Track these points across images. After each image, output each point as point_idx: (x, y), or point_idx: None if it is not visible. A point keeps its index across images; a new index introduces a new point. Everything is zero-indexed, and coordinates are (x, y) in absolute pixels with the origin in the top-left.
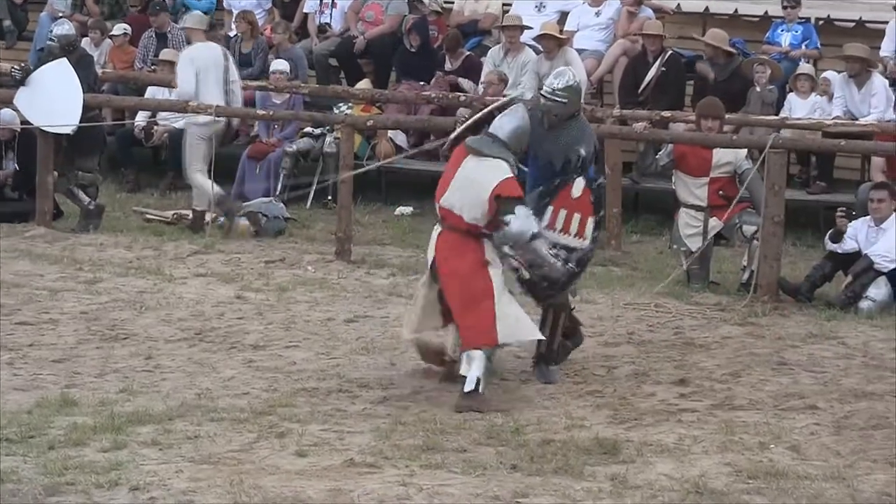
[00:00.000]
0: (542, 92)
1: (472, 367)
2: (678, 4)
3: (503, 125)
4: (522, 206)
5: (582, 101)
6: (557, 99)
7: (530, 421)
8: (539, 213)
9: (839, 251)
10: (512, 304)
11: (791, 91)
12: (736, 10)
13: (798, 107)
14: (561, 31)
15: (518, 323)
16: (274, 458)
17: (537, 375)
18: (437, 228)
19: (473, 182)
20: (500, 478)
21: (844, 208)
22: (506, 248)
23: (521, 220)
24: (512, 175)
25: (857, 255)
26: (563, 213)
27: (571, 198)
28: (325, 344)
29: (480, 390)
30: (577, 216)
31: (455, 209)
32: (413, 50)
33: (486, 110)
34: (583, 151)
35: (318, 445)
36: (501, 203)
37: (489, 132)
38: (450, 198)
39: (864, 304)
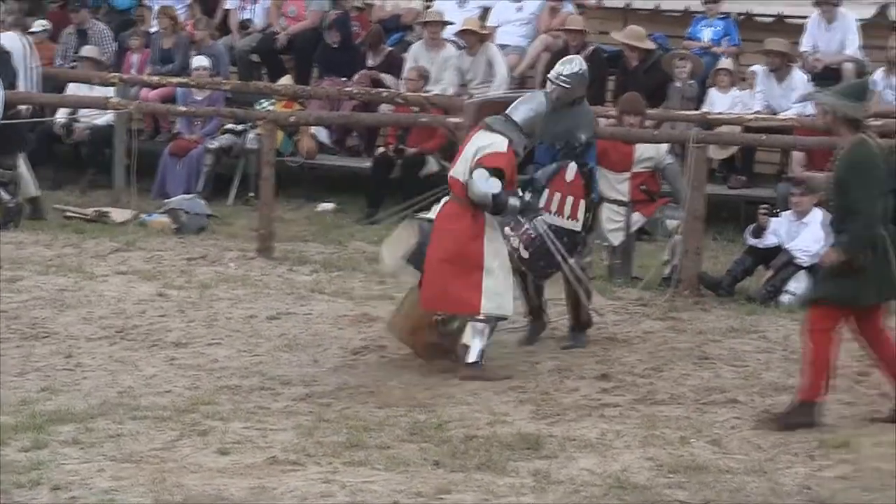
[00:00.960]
0: (549, 77)
1: (476, 339)
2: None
3: (519, 108)
4: (483, 171)
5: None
6: (562, 84)
7: (453, 417)
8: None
9: (760, 246)
10: (499, 280)
11: (711, 86)
12: (657, 6)
13: (718, 101)
14: (483, 27)
15: (502, 299)
16: (196, 456)
17: (571, 340)
18: (445, 199)
19: (469, 151)
20: (423, 474)
21: (767, 205)
22: (507, 230)
23: (480, 182)
24: (505, 151)
25: (777, 250)
26: (557, 195)
27: (565, 181)
28: (247, 341)
29: (482, 362)
30: (570, 199)
31: (459, 178)
32: (335, 46)
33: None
34: (583, 136)
35: (240, 443)
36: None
37: (506, 113)
38: (456, 168)
39: (784, 299)
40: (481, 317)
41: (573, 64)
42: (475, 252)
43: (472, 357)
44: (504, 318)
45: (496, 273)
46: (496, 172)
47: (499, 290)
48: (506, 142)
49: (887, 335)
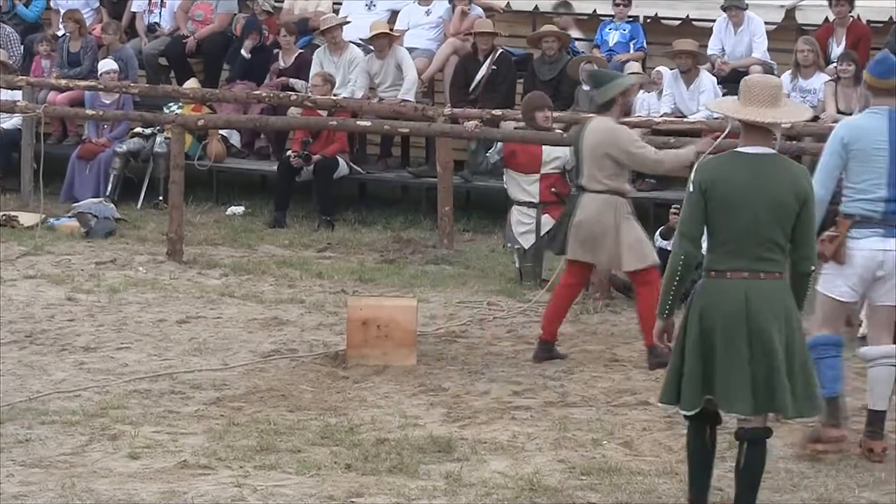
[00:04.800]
0: None
1: None
2: (508, 3)
3: None
4: None
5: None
6: None
7: (364, 420)
8: None
9: (669, 248)
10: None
11: None
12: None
13: None
14: (393, 30)
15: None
16: (106, 461)
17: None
18: None
19: None
20: (334, 478)
21: (678, 206)
22: None
23: None
24: None
25: None
26: None
27: None
28: (157, 345)
29: None
30: None
31: None
32: (247, 50)
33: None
34: None
35: (150, 447)
36: None
37: None
38: None
39: None
40: None
41: None
42: None
43: None
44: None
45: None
46: None
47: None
48: None
49: None
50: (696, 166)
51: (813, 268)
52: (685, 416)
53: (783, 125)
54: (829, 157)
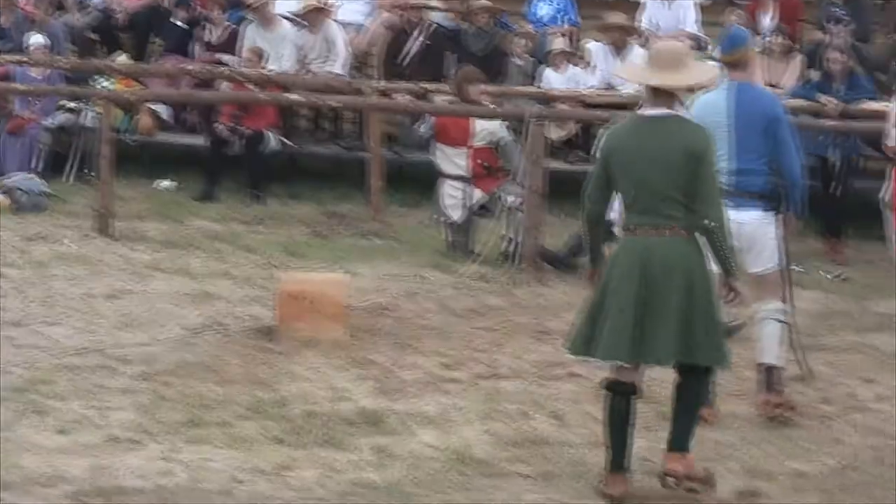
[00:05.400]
0: None
1: None
2: None
3: None
4: None
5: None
6: None
7: (293, 394)
8: None
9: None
10: None
11: (547, 65)
12: None
13: (554, 80)
14: (325, 3)
15: None
16: (34, 436)
17: None
18: None
19: None
20: (264, 451)
21: None
22: None
23: None
24: None
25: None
26: None
27: None
28: (85, 320)
29: None
30: None
31: None
32: (178, 24)
33: None
34: None
35: (79, 422)
36: None
37: None
38: None
39: None
40: None
41: None
42: None
43: None
44: None
45: None
46: None
47: None
48: None
49: None
50: (603, 130)
51: (713, 223)
52: (606, 383)
53: (690, 87)
54: None
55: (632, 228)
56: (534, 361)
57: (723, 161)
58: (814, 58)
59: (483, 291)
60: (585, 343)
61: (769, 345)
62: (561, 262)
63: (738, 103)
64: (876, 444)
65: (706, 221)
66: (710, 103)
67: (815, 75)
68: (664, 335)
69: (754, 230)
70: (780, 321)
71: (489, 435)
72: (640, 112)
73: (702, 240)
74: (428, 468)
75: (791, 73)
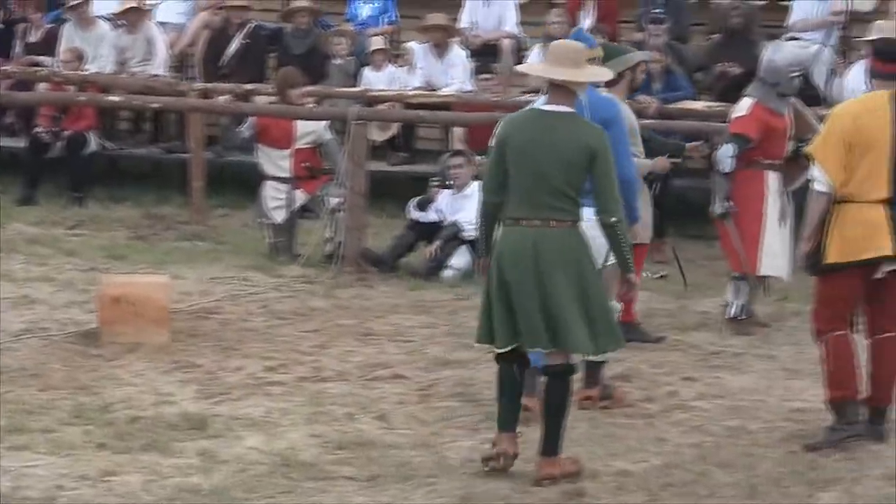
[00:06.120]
0: None
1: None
2: None
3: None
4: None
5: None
6: None
7: (117, 398)
8: None
9: (422, 220)
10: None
11: (367, 65)
12: None
13: (375, 80)
14: (144, 4)
15: (775, 259)
16: None
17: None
18: None
19: None
20: (87, 457)
21: (438, 179)
22: None
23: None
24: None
25: (438, 225)
26: None
27: None
28: None
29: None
30: None
31: None
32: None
33: None
34: None
35: None
36: None
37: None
38: None
39: (447, 273)
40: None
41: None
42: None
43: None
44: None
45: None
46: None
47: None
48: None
49: None
50: (501, 121)
51: (613, 219)
52: (496, 355)
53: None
54: None
55: (518, 219)
56: (358, 363)
57: None
58: None
59: (306, 293)
60: (487, 332)
61: None
62: (384, 264)
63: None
64: (698, 442)
65: (608, 217)
66: None
67: None
68: (570, 327)
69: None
70: None
71: (315, 438)
72: (538, 106)
73: (590, 233)
74: (254, 472)
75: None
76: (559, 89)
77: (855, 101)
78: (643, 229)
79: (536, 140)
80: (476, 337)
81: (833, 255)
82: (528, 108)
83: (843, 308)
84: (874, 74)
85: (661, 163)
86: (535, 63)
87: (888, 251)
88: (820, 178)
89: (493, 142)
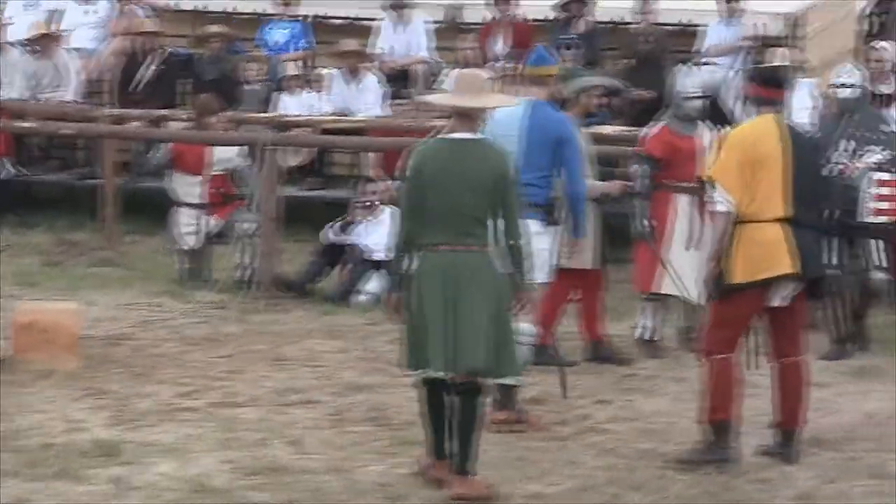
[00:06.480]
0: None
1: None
2: (175, 3)
3: None
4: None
5: None
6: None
7: (29, 425)
8: None
9: (339, 243)
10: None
11: (282, 90)
12: (231, 8)
13: (290, 105)
14: (56, 30)
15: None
16: None
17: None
18: None
19: None
20: None
21: (360, 202)
22: None
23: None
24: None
25: (350, 250)
26: None
27: None
28: None
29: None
30: None
31: None
32: None
33: None
34: None
35: None
36: None
37: None
38: None
39: (359, 298)
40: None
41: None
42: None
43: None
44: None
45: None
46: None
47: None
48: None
49: None
50: (411, 151)
51: (518, 241)
52: (423, 380)
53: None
54: None
55: (435, 245)
56: (271, 388)
57: None
58: None
59: (219, 319)
60: (416, 358)
61: None
62: (297, 289)
63: (531, 120)
64: (611, 464)
65: (512, 240)
66: (506, 117)
67: None
68: (476, 346)
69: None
70: (525, 344)
71: (228, 463)
72: (447, 135)
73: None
74: (166, 498)
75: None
76: (465, 117)
77: (747, 126)
78: (582, 253)
79: (448, 169)
80: (405, 364)
81: (737, 276)
82: (437, 137)
83: (737, 330)
84: (759, 101)
85: (616, 186)
86: (441, 94)
87: (788, 269)
88: (721, 199)
89: (405, 172)
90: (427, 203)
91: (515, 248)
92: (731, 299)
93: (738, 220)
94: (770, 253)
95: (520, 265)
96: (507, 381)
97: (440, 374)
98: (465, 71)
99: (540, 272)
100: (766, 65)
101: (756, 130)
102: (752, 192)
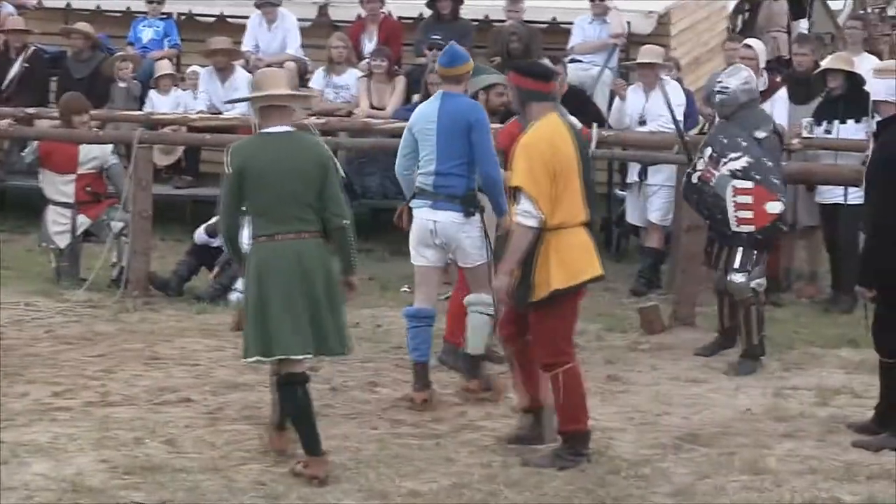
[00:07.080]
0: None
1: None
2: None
3: None
4: None
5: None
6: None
7: None
8: None
9: (213, 244)
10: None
11: (152, 88)
12: (98, 6)
13: (160, 104)
14: None
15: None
16: None
17: (740, 369)
18: None
19: None
20: None
21: None
22: None
23: None
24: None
25: (219, 250)
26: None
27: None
28: None
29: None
30: None
31: None
32: None
33: None
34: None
35: None
36: None
37: None
38: None
39: (233, 297)
40: None
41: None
42: None
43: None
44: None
45: None
46: None
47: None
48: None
49: None
50: (230, 149)
51: (344, 222)
52: (280, 379)
53: (307, 113)
54: (402, 139)
55: (271, 235)
56: (145, 387)
57: (429, 164)
58: (417, 80)
59: (92, 318)
60: (260, 347)
61: (473, 335)
62: (170, 287)
63: (442, 110)
64: (487, 461)
65: (339, 221)
66: (423, 112)
67: (416, 97)
68: (327, 331)
69: (452, 229)
70: (485, 313)
71: (103, 463)
72: (264, 130)
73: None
74: (41, 498)
75: (395, 94)
76: (279, 110)
77: (543, 129)
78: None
79: (276, 161)
80: (245, 353)
81: (558, 282)
82: (254, 134)
83: (568, 336)
84: (535, 97)
85: None
86: (249, 92)
87: (599, 271)
88: (530, 212)
89: (227, 170)
90: (257, 197)
91: (344, 228)
92: (557, 307)
93: (550, 228)
94: (583, 256)
95: (344, 246)
96: (336, 356)
97: (298, 356)
98: (265, 69)
99: (473, 256)
100: (530, 60)
101: (553, 135)
102: (559, 198)
